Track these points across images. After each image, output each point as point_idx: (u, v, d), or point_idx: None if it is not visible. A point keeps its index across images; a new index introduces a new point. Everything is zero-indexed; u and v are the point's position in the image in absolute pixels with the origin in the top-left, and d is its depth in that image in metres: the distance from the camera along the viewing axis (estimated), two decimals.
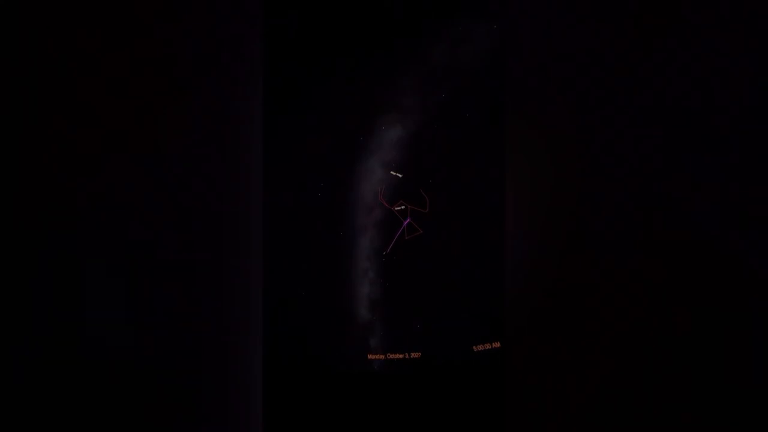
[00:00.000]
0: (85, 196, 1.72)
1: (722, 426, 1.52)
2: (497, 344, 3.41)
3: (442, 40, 3.41)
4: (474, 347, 3.47)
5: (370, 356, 3.59)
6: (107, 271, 1.74)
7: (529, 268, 2.03)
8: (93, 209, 1.72)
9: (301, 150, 3.48)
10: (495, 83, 3.19)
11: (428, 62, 3.44)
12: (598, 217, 1.71)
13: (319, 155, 3.53)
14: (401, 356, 3.58)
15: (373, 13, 3.43)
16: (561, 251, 1.81)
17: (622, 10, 1.67)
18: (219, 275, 1.97)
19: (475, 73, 3.38)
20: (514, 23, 2.09)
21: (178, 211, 1.85)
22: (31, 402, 1.64)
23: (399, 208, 3.60)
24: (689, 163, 1.57)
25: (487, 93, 3.33)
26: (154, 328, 1.80)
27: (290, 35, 3.30)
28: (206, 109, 1.92)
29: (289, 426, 3.25)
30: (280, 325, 3.30)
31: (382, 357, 3.59)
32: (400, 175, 3.58)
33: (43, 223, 1.68)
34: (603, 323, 1.72)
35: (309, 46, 3.40)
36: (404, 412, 3.51)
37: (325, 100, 3.48)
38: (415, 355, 3.57)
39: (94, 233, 1.72)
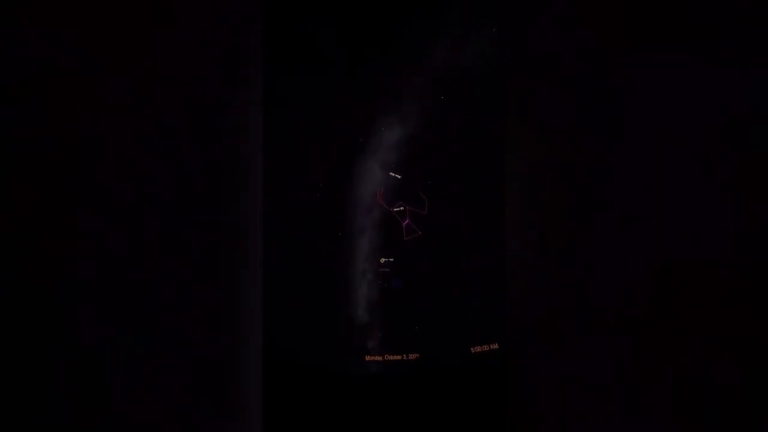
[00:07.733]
0: (82, 196, 1.72)
1: (722, 426, 1.52)
2: (495, 345, 3.42)
3: (442, 40, 3.42)
4: (472, 348, 3.47)
5: (368, 358, 3.58)
6: (105, 271, 1.73)
7: (528, 269, 2.03)
8: (91, 209, 1.72)
9: (300, 150, 3.48)
10: (495, 84, 3.20)
11: (428, 63, 3.45)
12: (598, 217, 1.72)
13: (319, 156, 3.53)
14: (399, 357, 3.58)
15: (373, 14, 3.44)
16: (561, 251, 1.81)
17: (622, 11, 1.68)
18: (218, 276, 1.96)
19: (475, 74, 3.39)
20: (513, 24, 2.10)
21: (176, 212, 1.85)
22: (30, 401, 1.63)
23: (398, 209, 3.60)
24: (689, 163, 1.57)
25: (487, 93, 3.33)
26: (152, 328, 1.80)
27: (290, 35, 3.30)
28: (206, 109, 1.92)
29: (287, 426, 3.24)
30: (278, 327, 3.29)
31: (380, 358, 3.58)
32: (399, 176, 3.58)
33: (42, 222, 1.68)
34: (603, 324, 1.72)
35: (309, 46, 3.41)
36: (402, 413, 3.50)
37: (324, 100, 3.48)
38: (413, 356, 3.57)
39: (91, 232, 1.72)
